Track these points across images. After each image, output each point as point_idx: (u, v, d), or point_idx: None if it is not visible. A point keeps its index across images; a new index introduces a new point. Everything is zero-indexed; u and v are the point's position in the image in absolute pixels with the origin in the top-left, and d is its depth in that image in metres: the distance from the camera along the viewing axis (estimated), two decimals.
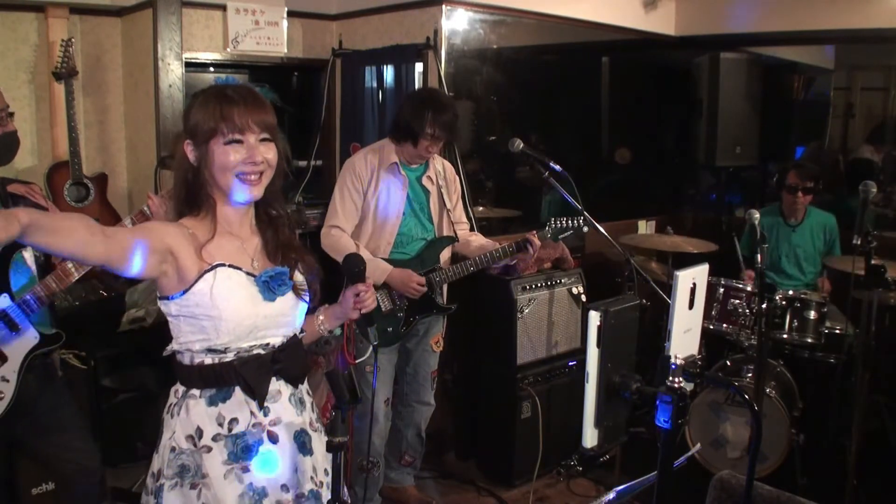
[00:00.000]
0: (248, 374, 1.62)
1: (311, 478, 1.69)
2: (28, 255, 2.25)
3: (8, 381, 2.16)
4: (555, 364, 3.54)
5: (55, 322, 2.36)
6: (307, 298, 1.73)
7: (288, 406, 1.69)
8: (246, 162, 1.58)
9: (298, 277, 1.72)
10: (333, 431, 1.51)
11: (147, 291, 3.21)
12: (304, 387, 1.79)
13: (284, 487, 1.65)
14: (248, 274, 1.63)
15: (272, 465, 1.64)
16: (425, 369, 3.20)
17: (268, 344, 1.66)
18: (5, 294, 2.17)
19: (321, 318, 1.83)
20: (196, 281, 1.57)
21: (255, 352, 1.64)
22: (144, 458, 3.28)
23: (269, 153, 1.61)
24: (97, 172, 3.70)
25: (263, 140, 1.60)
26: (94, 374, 3.20)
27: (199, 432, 1.62)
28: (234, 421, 1.63)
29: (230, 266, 1.61)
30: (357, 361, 2.88)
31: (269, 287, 1.62)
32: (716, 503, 2.06)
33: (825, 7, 4.12)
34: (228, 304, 1.58)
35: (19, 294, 2.19)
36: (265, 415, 1.65)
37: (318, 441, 1.75)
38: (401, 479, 3.32)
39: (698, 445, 3.27)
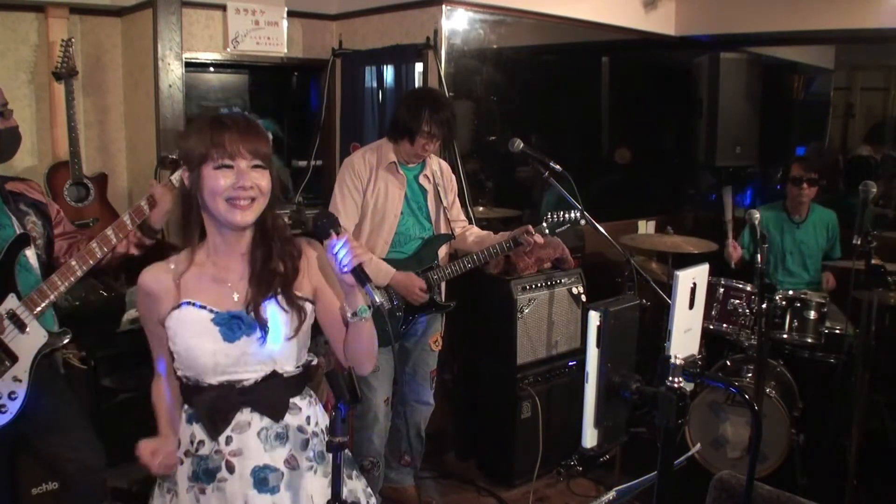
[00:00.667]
0: (207, 403, 1.64)
1: None
2: (31, 255, 2.25)
3: (20, 380, 2.17)
4: (555, 364, 3.54)
5: (58, 320, 2.37)
6: (285, 333, 1.67)
7: (253, 440, 1.66)
8: (236, 187, 1.57)
9: (276, 310, 1.66)
10: (333, 431, 1.51)
11: None
12: (298, 422, 1.71)
13: None
14: (212, 312, 1.62)
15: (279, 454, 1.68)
16: (424, 369, 3.20)
17: (239, 381, 1.65)
18: (13, 294, 2.17)
19: (343, 307, 1.72)
20: (167, 316, 1.64)
21: (223, 385, 1.65)
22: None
23: (261, 180, 1.60)
24: (97, 172, 3.70)
25: (255, 167, 1.60)
26: (94, 374, 3.20)
27: (179, 444, 1.70)
28: (201, 443, 1.67)
29: (195, 305, 1.62)
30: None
31: (229, 328, 1.62)
32: (716, 503, 2.06)
33: (825, 7, 4.12)
34: (189, 342, 1.62)
35: (25, 293, 2.19)
36: (227, 444, 1.65)
37: (299, 482, 1.68)
38: (401, 479, 3.32)
39: (698, 445, 3.27)
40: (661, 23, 4.68)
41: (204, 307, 1.62)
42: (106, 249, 2.25)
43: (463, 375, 3.77)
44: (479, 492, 3.48)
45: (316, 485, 1.70)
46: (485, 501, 3.43)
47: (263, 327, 1.63)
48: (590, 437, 1.53)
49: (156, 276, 1.66)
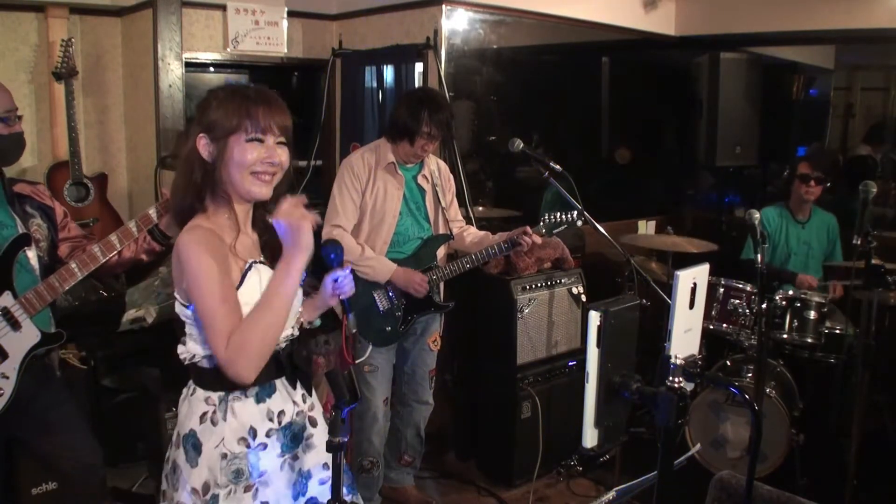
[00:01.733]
0: (300, 357, 1.68)
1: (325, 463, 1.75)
2: (32, 255, 2.25)
3: (8, 377, 2.16)
4: (555, 364, 3.54)
5: (56, 321, 2.37)
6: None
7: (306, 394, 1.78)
8: (264, 161, 1.60)
9: None
10: (333, 431, 1.51)
11: (147, 291, 3.21)
12: None
13: (325, 466, 1.73)
14: (271, 268, 1.67)
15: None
16: (423, 369, 3.20)
17: (290, 334, 1.72)
18: (8, 292, 2.17)
19: (300, 310, 1.78)
20: (243, 281, 1.61)
21: (283, 344, 1.70)
22: (144, 458, 3.29)
23: (284, 156, 1.64)
24: (97, 172, 3.70)
25: (280, 143, 1.63)
26: (94, 374, 3.20)
27: (253, 432, 1.64)
28: (282, 413, 1.69)
29: (262, 262, 1.68)
30: (356, 361, 2.88)
31: None
32: (716, 503, 2.06)
33: (825, 7, 4.12)
34: None
35: (22, 293, 2.19)
36: (304, 401, 1.74)
37: (322, 433, 1.79)
38: (400, 479, 3.32)
39: (698, 445, 3.28)
40: (661, 23, 4.69)
41: (265, 263, 1.68)
42: (108, 255, 2.25)
43: (463, 375, 3.77)
44: (479, 492, 3.48)
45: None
46: (485, 501, 3.42)
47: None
48: (590, 437, 1.53)
49: (218, 244, 1.58)
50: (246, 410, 1.64)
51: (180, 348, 1.67)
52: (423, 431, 3.29)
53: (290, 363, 1.69)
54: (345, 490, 1.75)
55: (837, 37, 4.32)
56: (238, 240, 1.65)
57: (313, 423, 1.76)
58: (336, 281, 1.73)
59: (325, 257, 1.74)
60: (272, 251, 1.69)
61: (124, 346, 3.24)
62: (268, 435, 1.65)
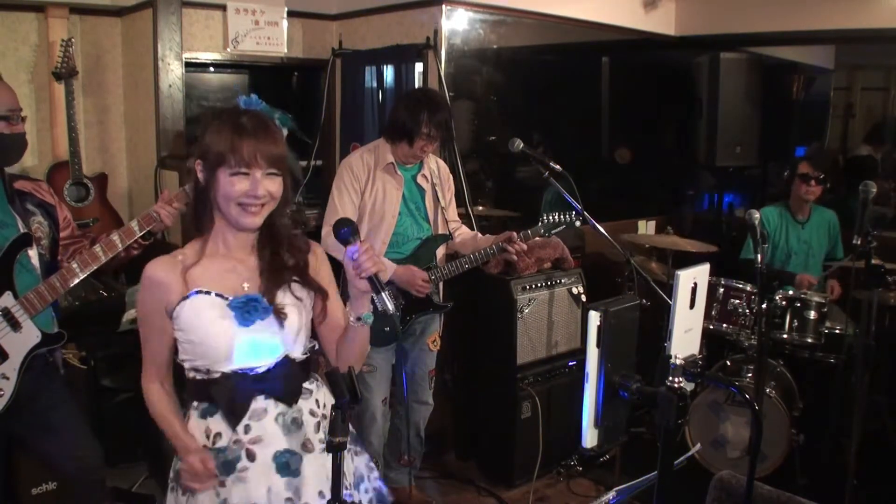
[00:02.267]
0: (224, 393, 1.66)
1: (289, 499, 1.67)
2: (33, 254, 2.25)
3: (8, 378, 2.16)
4: (555, 364, 3.54)
5: (57, 322, 2.37)
6: (298, 321, 1.71)
7: (272, 426, 1.69)
8: (249, 195, 1.60)
9: (288, 299, 1.70)
10: (333, 431, 1.51)
11: None
12: (310, 406, 1.75)
13: None
14: (224, 298, 1.65)
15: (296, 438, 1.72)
16: (423, 369, 3.20)
17: (252, 368, 1.67)
18: (9, 292, 2.17)
19: (347, 310, 1.75)
20: (176, 307, 1.64)
21: (237, 373, 1.66)
22: (144, 458, 3.29)
23: (273, 186, 1.63)
24: (97, 172, 3.70)
25: (269, 174, 1.62)
26: (94, 374, 3.20)
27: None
28: (218, 435, 1.68)
29: (206, 293, 1.64)
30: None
31: (243, 313, 1.64)
32: (716, 503, 2.06)
33: (825, 7, 4.12)
34: (203, 330, 1.63)
35: (23, 293, 2.19)
36: (245, 433, 1.67)
37: (316, 463, 1.72)
38: (400, 479, 3.32)
39: (698, 445, 3.28)
40: (661, 23, 4.69)
41: (219, 294, 1.65)
42: (111, 254, 2.25)
43: (463, 375, 3.77)
44: (479, 492, 3.48)
45: (329, 464, 1.72)
46: (485, 501, 3.42)
47: (279, 314, 1.67)
48: (590, 437, 1.53)
49: (163, 267, 1.66)
50: (192, 421, 1.71)
51: None
52: (423, 431, 3.29)
53: (230, 404, 1.67)
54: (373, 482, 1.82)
55: (837, 37, 4.32)
56: (200, 265, 1.66)
57: (251, 457, 1.66)
58: (353, 259, 1.63)
59: (338, 235, 1.67)
60: (269, 273, 1.69)
61: (124, 346, 3.24)
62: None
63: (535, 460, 3.38)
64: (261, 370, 1.68)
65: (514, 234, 2.95)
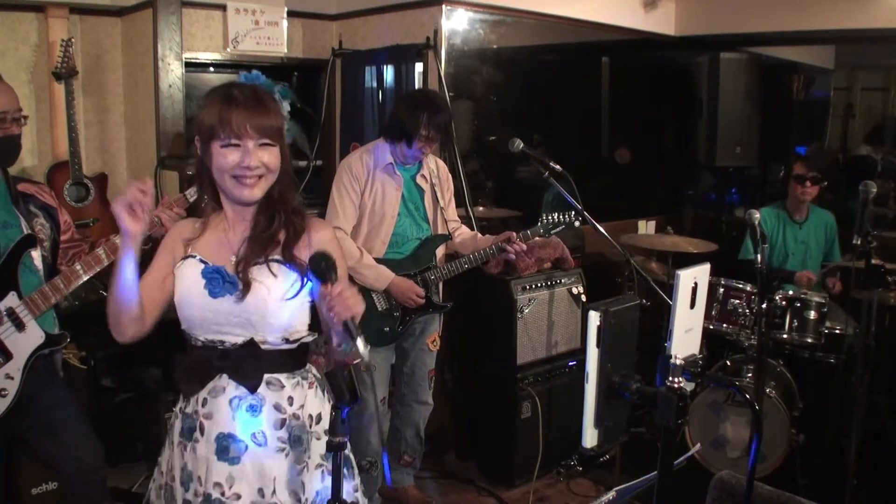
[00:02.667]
0: (193, 362, 1.71)
1: (218, 484, 1.64)
2: (36, 255, 2.26)
3: (12, 378, 2.17)
4: (555, 364, 3.54)
5: (59, 322, 2.37)
6: (269, 300, 1.63)
7: (224, 406, 1.67)
8: (241, 166, 1.59)
9: (263, 276, 1.63)
10: (333, 431, 1.51)
11: None
12: (277, 399, 1.68)
13: (197, 480, 1.68)
14: (204, 264, 1.68)
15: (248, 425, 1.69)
16: (422, 369, 3.20)
17: (222, 342, 1.67)
18: (13, 293, 2.17)
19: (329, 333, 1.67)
20: (176, 265, 1.71)
21: (207, 346, 1.69)
22: (144, 458, 3.29)
23: (267, 157, 1.62)
24: (97, 172, 3.70)
25: (263, 145, 1.61)
26: (94, 374, 3.20)
27: (178, 400, 1.77)
28: (186, 401, 1.73)
29: (195, 258, 1.69)
30: (355, 361, 2.87)
31: (211, 283, 1.65)
32: (716, 503, 2.06)
33: (825, 7, 4.12)
34: (183, 294, 1.68)
35: (27, 293, 2.19)
36: (202, 405, 1.70)
37: (264, 460, 1.66)
38: (400, 479, 3.32)
39: (698, 445, 3.27)
40: (661, 23, 4.68)
41: (202, 261, 1.68)
42: (113, 257, 2.25)
43: (463, 375, 3.77)
44: (479, 492, 3.48)
45: (283, 469, 1.68)
46: (485, 501, 3.42)
47: (246, 286, 1.62)
48: (590, 437, 1.53)
49: (185, 227, 1.77)
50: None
51: None
52: (423, 431, 3.29)
53: (192, 372, 1.71)
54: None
55: (837, 37, 4.32)
56: (203, 238, 1.72)
57: (201, 431, 1.68)
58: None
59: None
60: (247, 248, 1.69)
61: (124, 346, 3.24)
62: (179, 410, 1.75)
63: (535, 460, 3.38)
64: (228, 346, 1.67)
65: (514, 234, 2.95)
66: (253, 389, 1.68)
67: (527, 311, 3.41)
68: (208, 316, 1.65)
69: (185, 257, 1.70)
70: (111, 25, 3.83)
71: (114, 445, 3.05)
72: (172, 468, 1.73)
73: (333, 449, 1.50)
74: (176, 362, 1.77)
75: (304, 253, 1.67)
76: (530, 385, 3.44)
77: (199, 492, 1.67)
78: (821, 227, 3.90)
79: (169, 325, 1.71)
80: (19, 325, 2.17)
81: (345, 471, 1.67)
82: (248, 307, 1.63)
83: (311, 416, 1.73)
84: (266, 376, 1.69)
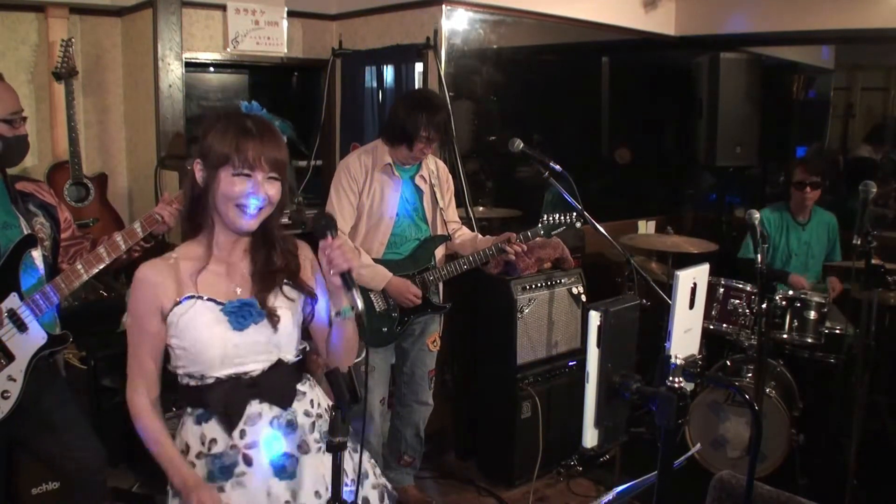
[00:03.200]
0: (219, 399, 1.66)
1: (287, 502, 1.67)
2: (37, 256, 2.25)
3: (15, 380, 2.16)
4: (555, 364, 3.54)
5: (61, 323, 2.37)
6: (291, 323, 1.72)
7: (267, 430, 1.69)
8: (249, 196, 1.61)
9: (280, 301, 1.71)
10: (333, 431, 1.51)
11: None
12: (304, 407, 1.75)
13: None
14: (218, 304, 1.66)
15: (273, 446, 1.69)
16: (422, 369, 3.20)
17: (246, 373, 1.68)
18: (15, 293, 2.17)
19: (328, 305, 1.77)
20: (169, 312, 1.65)
21: (231, 379, 1.67)
22: (144, 458, 3.29)
23: (272, 191, 1.65)
24: (97, 172, 3.70)
25: (271, 178, 1.64)
26: (94, 374, 3.20)
27: (187, 448, 1.69)
28: (213, 441, 1.67)
29: (199, 297, 1.65)
30: (354, 361, 2.88)
31: (237, 318, 1.65)
32: (716, 503, 2.06)
33: (825, 7, 4.12)
34: (196, 335, 1.63)
35: (28, 294, 2.19)
36: (241, 437, 1.67)
37: (312, 463, 1.72)
38: (400, 479, 3.32)
39: (698, 445, 3.28)
40: (661, 23, 4.69)
41: (212, 299, 1.66)
42: (114, 255, 2.25)
43: (463, 375, 3.77)
44: (479, 492, 3.48)
45: (327, 463, 1.69)
46: (485, 501, 3.42)
47: (272, 316, 1.68)
48: (590, 437, 1.53)
49: (158, 269, 1.67)
50: (186, 427, 1.71)
51: None
52: (423, 432, 3.29)
53: (224, 409, 1.67)
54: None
55: (837, 37, 4.32)
56: (206, 269, 1.67)
57: (248, 462, 1.66)
58: (328, 256, 1.62)
59: (316, 230, 1.65)
60: (261, 277, 1.70)
61: (124, 346, 3.24)
62: (197, 457, 1.68)
63: (535, 460, 3.38)
64: (254, 374, 1.68)
65: (513, 235, 2.95)
66: (287, 406, 1.72)
67: (527, 311, 3.41)
68: (230, 351, 1.65)
69: (184, 299, 1.64)
70: (111, 25, 3.83)
71: (114, 445, 3.05)
72: None
73: (333, 449, 1.51)
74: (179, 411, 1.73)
75: (308, 275, 1.78)
76: (530, 385, 3.44)
77: None
78: (823, 229, 3.90)
79: None
80: (21, 326, 2.16)
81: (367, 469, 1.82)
82: (279, 333, 1.70)
83: (326, 409, 1.81)
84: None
